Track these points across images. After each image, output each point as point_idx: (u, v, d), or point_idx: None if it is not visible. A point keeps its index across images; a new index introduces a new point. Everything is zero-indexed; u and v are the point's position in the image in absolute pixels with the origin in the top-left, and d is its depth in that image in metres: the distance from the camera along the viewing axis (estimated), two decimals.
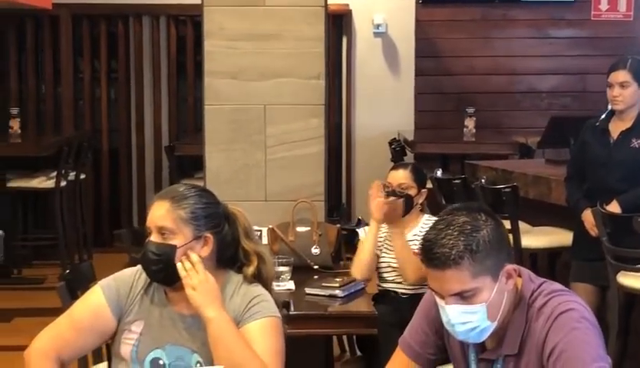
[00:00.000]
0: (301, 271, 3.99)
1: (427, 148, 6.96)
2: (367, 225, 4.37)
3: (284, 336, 2.55)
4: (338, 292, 3.72)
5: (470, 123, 7.21)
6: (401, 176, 4.14)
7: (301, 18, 4.34)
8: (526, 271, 2.32)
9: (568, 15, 7.97)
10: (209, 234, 2.53)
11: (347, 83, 7.85)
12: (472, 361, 2.34)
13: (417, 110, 7.86)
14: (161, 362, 2.50)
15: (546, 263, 4.97)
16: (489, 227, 2.20)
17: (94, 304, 2.58)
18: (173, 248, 2.49)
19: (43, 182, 7.09)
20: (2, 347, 5.08)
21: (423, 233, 3.98)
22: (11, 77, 8.04)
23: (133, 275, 2.62)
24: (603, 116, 4.42)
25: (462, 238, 2.16)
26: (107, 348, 3.14)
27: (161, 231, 2.50)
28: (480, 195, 4.80)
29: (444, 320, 2.24)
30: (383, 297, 4.11)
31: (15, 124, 7.28)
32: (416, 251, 3.69)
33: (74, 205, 7.33)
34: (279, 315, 2.56)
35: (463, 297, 2.18)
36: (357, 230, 4.32)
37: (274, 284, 2.67)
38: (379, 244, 4.07)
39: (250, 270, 2.59)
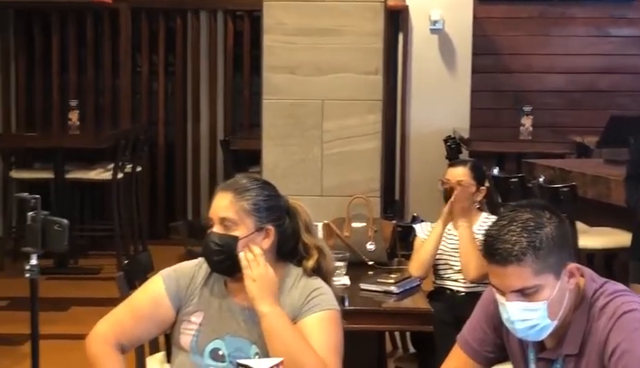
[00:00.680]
0: (356, 267, 3.98)
1: (483, 146, 6.91)
2: (422, 221, 4.36)
3: (342, 330, 2.56)
4: (393, 288, 3.71)
5: (526, 122, 7.14)
6: (460, 173, 4.12)
7: (360, 13, 4.33)
8: (588, 271, 2.30)
9: (628, 14, 7.86)
10: (270, 227, 2.55)
11: (402, 80, 7.82)
12: (531, 360, 2.32)
13: (472, 107, 7.81)
14: (220, 352, 2.53)
15: (603, 264, 4.91)
16: (553, 224, 2.18)
17: (154, 293, 2.61)
18: (235, 239, 2.51)
19: (100, 174, 7.19)
20: (60, 336, 5.14)
21: (482, 231, 4.02)
22: (71, 69, 8.15)
23: (194, 267, 2.65)
24: None
25: (525, 235, 2.14)
26: (165, 338, 3.18)
27: (224, 222, 2.53)
28: (538, 194, 4.75)
29: (504, 317, 2.22)
30: (438, 295, 4.10)
31: (74, 116, 7.39)
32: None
33: (130, 197, 7.42)
34: (338, 308, 2.57)
35: (525, 294, 2.17)
36: (413, 226, 4.31)
37: None
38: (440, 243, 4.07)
39: (310, 263, 2.61)
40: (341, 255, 3.79)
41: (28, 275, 2.88)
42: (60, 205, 6.92)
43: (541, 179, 5.00)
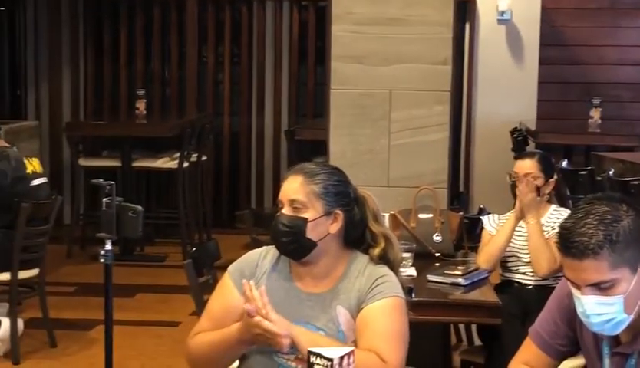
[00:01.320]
0: (422, 258, 3.96)
1: (550, 138, 6.82)
2: (489, 213, 4.32)
3: (407, 318, 2.54)
4: (460, 280, 3.68)
5: (595, 114, 7.03)
6: (528, 166, 4.07)
7: (429, 2, 4.31)
8: None
9: None
10: (339, 211, 2.56)
11: (468, 71, 7.76)
12: (605, 355, 2.28)
13: (539, 99, 7.71)
14: None
15: None
16: (630, 218, 2.14)
17: (224, 292, 2.64)
18: (304, 221, 2.52)
19: (166, 163, 7.28)
20: (126, 322, 5.23)
21: (551, 223, 3.97)
22: (138, 59, 8.25)
23: (258, 255, 2.67)
24: None
25: (602, 228, 2.10)
26: None
27: (293, 204, 2.54)
28: (607, 187, 4.68)
29: (579, 310, 2.19)
30: (506, 287, 4.06)
31: (141, 105, 7.49)
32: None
33: (195, 186, 7.50)
34: (403, 296, 2.56)
35: (601, 288, 2.13)
36: (480, 218, 4.28)
37: None
38: None
39: (377, 251, 2.61)
40: (407, 246, 3.78)
41: (102, 260, 2.93)
42: (127, 193, 7.01)
43: (611, 172, 4.92)
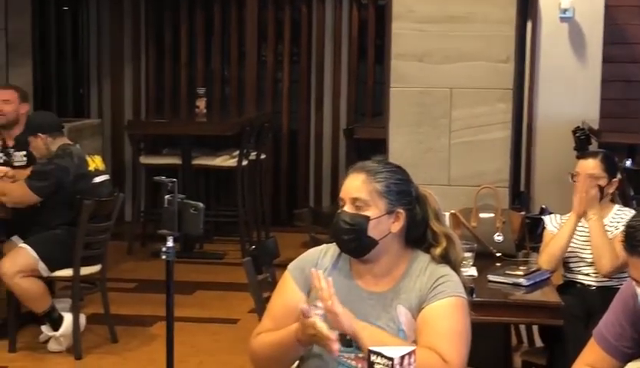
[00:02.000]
0: (483, 258, 3.93)
1: (613, 137, 6.70)
2: (551, 213, 4.26)
3: (469, 318, 2.52)
4: (522, 281, 3.64)
5: None
6: (591, 166, 4.00)
7: (491, 0, 4.26)
8: None
9: None
10: (401, 210, 2.55)
11: (530, 69, 7.66)
12: None
13: (603, 97, 7.58)
14: (348, 337, 2.52)
15: None
16: None
17: (285, 290, 2.64)
18: (366, 219, 2.51)
19: (226, 161, 7.32)
20: (185, 318, 5.27)
21: (614, 223, 3.90)
22: (198, 58, 8.31)
23: (318, 253, 2.67)
24: None
25: None
26: None
27: (355, 202, 2.53)
28: None
29: None
30: (568, 288, 4.00)
31: (201, 104, 7.55)
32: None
33: (254, 184, 7.52)
34: (465, 296, 2.54)
35: None
36: (542, 218, 4.22)
37: None
38: None
39: (438, 250, 2.59)
40: (468, 246, 3.74)
41: (163, 257, 2.96)
42: (186, 191, 7.06)
43: None
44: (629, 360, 2.41)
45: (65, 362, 4.95)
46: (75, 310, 4.98)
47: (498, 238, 4.08)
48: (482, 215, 4.15)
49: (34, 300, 4.95)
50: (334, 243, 2.62)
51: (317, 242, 4.17)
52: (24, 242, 4.99)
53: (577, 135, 6.84)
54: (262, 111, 8.09)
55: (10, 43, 6.93)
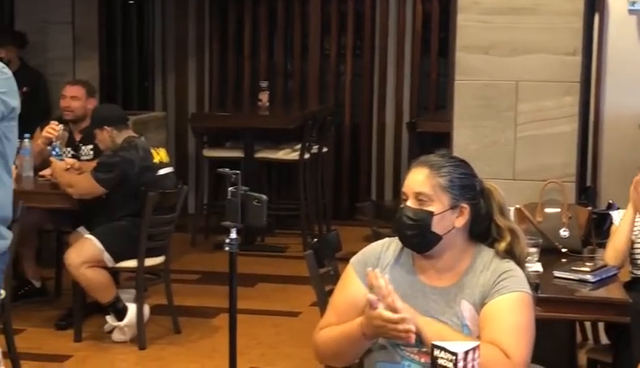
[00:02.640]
0: (548, 254, 3.87)
1: None
2: (618, 209, 4.18)
3: (534, 314, 2.48)
4: (588, 277, 3.58)
5: None
6: None
7: None
8: None
9: None
10: (465, 205, 2.52)
11: (597, 62, 7.52)
12: None
13: None
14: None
15: None
16: None
17: (348, 283, 2.63)
18: (430, 214, 2.49)
19: (288, 154, 7.33)
20: (247, 310, 5.29)
21: None
22: (262, 51, 8.34)
23: (381, 247, 2.65)
24: None
25: None
26: None
27: (418, 197, 2.51)
28: None
29: None
30: (636, 285, 3.92)
31: (264, 97, 7.57)
32: None
33: (316, 178, 7.53)
34: (529, 291, 2.50)
35: None
36: (610, 214, 4.14)
37: None
38: (635, 230, 3.88)
39: (502, 245, 2.55)
40: (533, 241, 3.69)
41: (227, 248, 2.97)
42: (249, 184, 7.06)
43: None
44: None
45: (129, 352, 5.01)
46: (139, 301, 5.04)
47: (564, 233, 4.02)
48: (547, 210, 4.09)
49: (100, 290, 5.02)
50: (397, 237, 2.60)
51: (379, 236, 4.15)
52: (90, 233, 5.07)
53: None
54: (325, 104, 8.09)
55: (77, 37, 7.03)
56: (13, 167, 3.30)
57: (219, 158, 7.28)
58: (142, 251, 4.98)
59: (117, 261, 5.03)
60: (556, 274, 3.64)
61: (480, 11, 4.25)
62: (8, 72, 3.18)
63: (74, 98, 5.62)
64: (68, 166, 5.20)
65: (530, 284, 2.55)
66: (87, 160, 5.46)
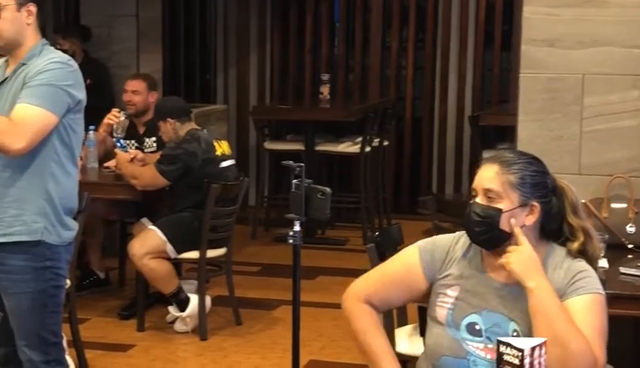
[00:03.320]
0: (614, 249, 3.80)
1: None
2: None
3: (607, 314, 2.45)
4: None
5: None
6: None
7: None
8: None
9: None
10: (535, 203, 2.49)
11: None
12: None
13: None
14: (477, 327, 2.49)
15: None
16: None
17: (408, 262, 2.63)
18: (499, 211, 2.46)
19: (348, 147, 7.33)
20: (308, 303, 5.29)
21: None
22: (323, 45, 8.35)
23: (450, 241, 2.63)
24: None
25: None
26: (418, 311, 3.17)
27: (488, 193, 2.48)
28: None
29: None
30: None
31: (325, 90, 7.58)
32: None
33: (377, 171, 7.51)
34: (603, 292, 2.47)
35: None
36: None
37: None
38: None
39: (575, 245, 2.52)
40: (599, 237, 3.62)
41: (290, 241, 2.97)
42: (310, 177, 7.07)
43: None
44: None
45: (190, 342, 5.05)
46: (201, 292, 5.08)
47: (630, 229, 3.94)
48: (614, 206, 4.02)
49: (162, 281, 5.07)
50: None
51: (440, 230, 4.13)
52: (153, 224, 5.12)
53: None
54: (386, 97, 8.07)
55: (141, 30, 7.11)
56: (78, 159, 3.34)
57: (279, 151, 7.31)
58: (204, 242, 5.02)
59: (179, 252, 5.08)
60: (622, 270, 3.57)
61: (546, 3, 4.18)
62: (74, 65, 3.22)
63: (136, 92, 5.68)
64: (132, 157, 5.26)
65: (602, 282, 2.52)
66: (151, 152, 5.52)
